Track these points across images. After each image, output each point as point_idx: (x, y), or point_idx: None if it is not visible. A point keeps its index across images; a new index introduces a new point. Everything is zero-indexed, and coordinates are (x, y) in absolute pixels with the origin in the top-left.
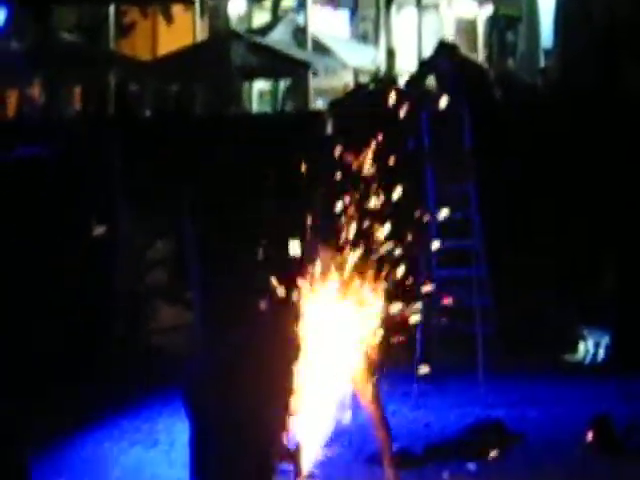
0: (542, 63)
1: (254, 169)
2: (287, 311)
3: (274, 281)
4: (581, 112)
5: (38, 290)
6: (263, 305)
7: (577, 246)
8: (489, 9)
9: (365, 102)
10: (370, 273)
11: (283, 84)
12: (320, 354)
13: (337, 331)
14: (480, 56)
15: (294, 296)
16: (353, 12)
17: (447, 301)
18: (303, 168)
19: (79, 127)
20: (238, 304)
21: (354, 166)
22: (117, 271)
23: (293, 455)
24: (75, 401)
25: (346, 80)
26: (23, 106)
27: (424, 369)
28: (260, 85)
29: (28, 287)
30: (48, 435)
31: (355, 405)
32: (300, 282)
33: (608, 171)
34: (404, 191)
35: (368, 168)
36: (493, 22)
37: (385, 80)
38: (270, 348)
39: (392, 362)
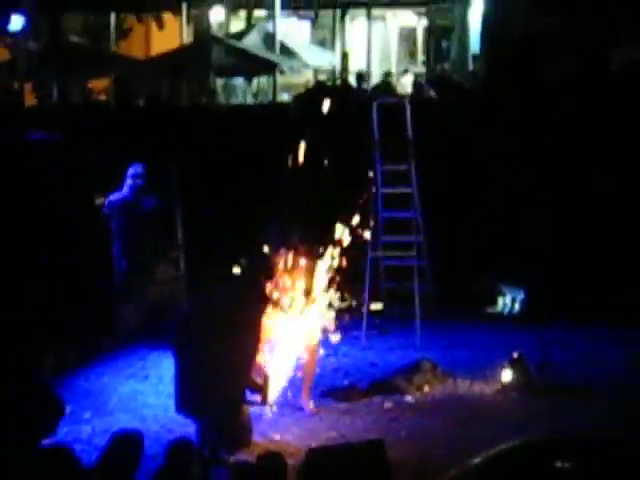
0: (471, 66)
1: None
2: (261, 271)
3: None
4: (506, 103)
5: (50, 250)
6: (242, 265)
7: (496, 219)
8: (426, 20)
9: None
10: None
11: (255, 81)
12: (286, 310)
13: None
14: (419, 60)
15: (267, 261)
16: (314, 21)
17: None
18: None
19: (84, 115)
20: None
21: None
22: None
23: (262, 386)
24: (80, 342)
25: (307, 77)
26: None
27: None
28: (237, 81)
29: (41, 247)
30: (57, 370)
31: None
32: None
33: (528, 149)
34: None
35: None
36: (430, 31)
37: (339, 78)
38: (245, 300)
39: (346, 313)
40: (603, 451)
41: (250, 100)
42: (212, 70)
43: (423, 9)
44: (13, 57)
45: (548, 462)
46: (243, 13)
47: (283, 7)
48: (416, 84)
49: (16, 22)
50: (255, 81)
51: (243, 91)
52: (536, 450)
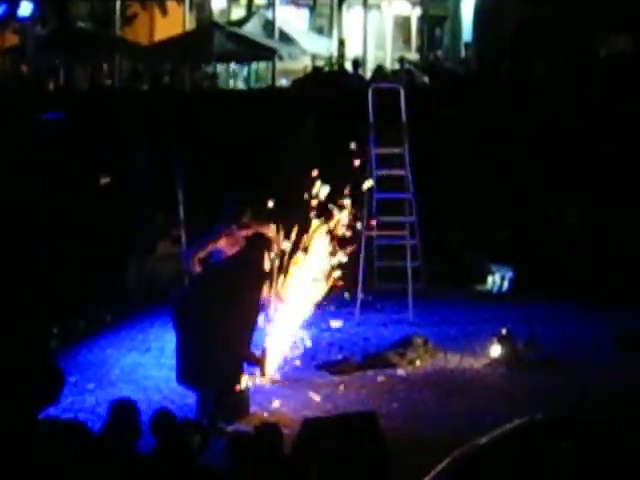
0: (463, 54)
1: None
2: (260, 246)
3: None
4: (494, 93)
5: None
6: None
7: (486, 200)
8: (420, 9)
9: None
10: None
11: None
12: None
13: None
14: (413, 47)
15: (266, 235)
16: (312, 9)
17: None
18: None
19: (91, 97)
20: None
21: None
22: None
23: (260, 359)
24: (86, 315)
25: (305, 64)
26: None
27: (365, 295)
28: (235, 66)
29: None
30: (62, 341)
31: (307, 326)
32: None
33: (516, 138)
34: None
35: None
36: (424, 20)
37: (336, 64)
38: (244, 274)
39: (341, 289)
40: (603, 434)
41: (241, 85)
42: (213, 56)
43: None
44: (22, 42)
45: (553, 442)
46: (244, 1)
47: None
48: (408, 71)
49: (25, 8)
50: (248, 66)
51: (232, 75)
52: (541, 430)
